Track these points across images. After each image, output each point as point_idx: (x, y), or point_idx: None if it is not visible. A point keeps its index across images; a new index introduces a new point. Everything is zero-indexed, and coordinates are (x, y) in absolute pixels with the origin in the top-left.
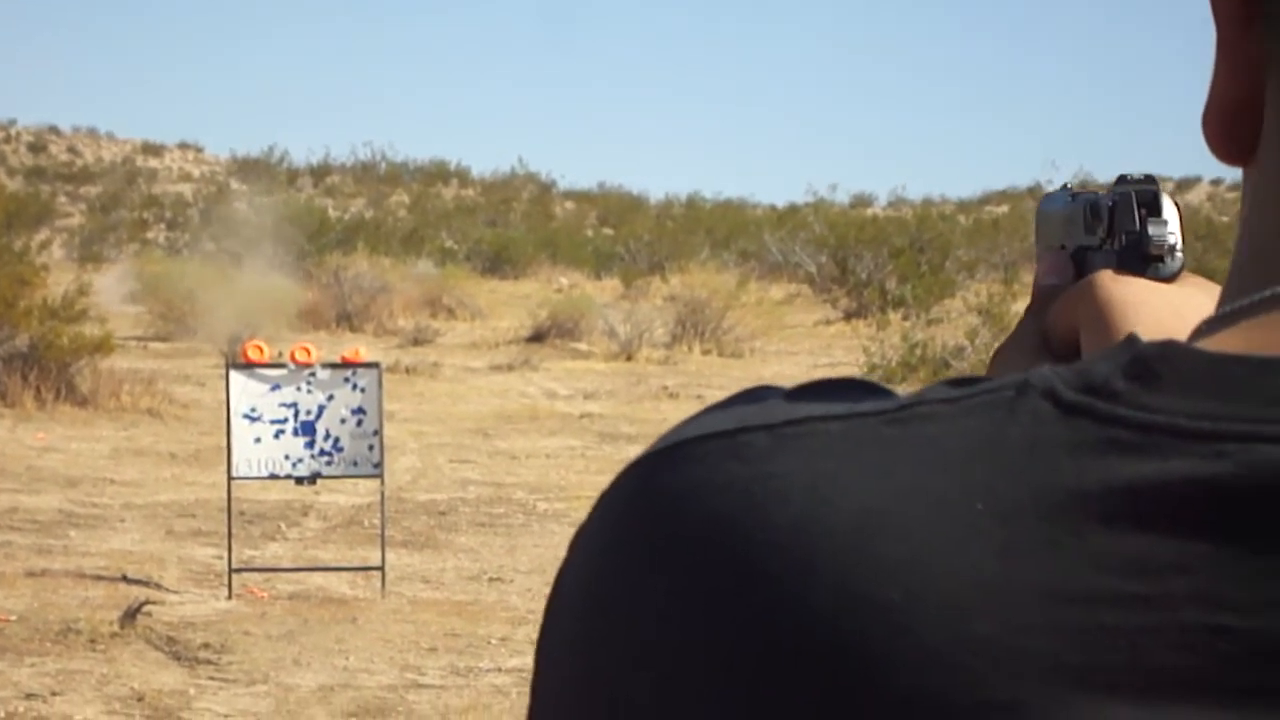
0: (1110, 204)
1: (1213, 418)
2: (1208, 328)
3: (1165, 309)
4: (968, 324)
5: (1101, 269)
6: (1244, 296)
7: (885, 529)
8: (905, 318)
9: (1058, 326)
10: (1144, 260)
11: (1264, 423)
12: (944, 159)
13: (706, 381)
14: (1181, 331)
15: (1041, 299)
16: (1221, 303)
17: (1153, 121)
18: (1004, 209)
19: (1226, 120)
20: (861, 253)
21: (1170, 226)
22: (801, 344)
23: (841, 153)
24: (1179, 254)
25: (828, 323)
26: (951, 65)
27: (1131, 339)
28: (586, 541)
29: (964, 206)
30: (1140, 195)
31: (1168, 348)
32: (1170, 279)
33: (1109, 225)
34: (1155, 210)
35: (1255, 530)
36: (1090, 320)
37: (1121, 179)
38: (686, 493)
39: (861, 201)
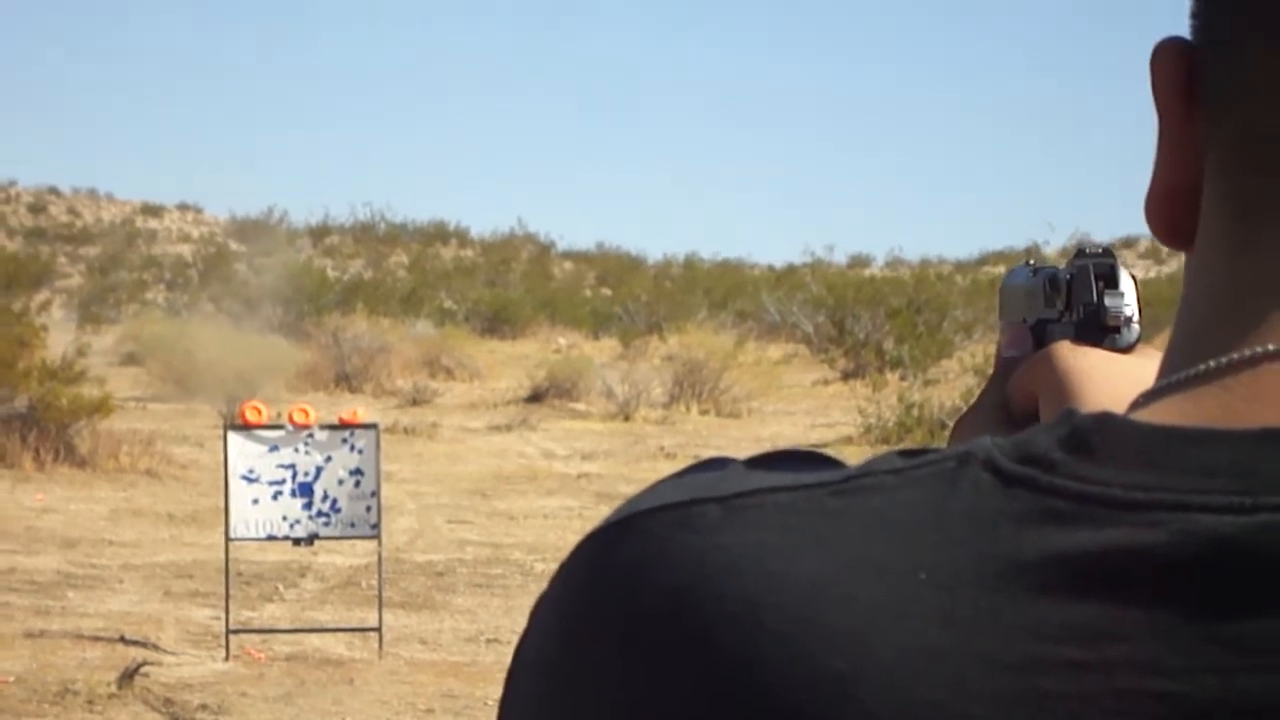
0: (1068, 277)
1: (1146, 488)
2: (1144, 400)
3: (1121, 378)
4: (965, 385)
5: (1060, 340)
6: (1179, 371)
7: (831, 599)
8: (902, 378)
9: (1017, 395)
10: (1101, 331)
11: (1195, 493)
12: (941, 220)
13: (704, 441)
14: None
15: (1003, 369)
16: (1159, 377)
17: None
18: (1001, 269)
19: (1167, 207)
20: (859, 313)
21: (1127, 299)
22: (799, 404)
23: (839, 213)
24: (1135, 325)
25: (825, 383)
26: (949, 126)
27: (1070, 412)
28: (546, 611)
29: (961, 267)
30: (1097, 268)
31: (1104, 420)
32: (1127, 349)
33: (1067, 298)
34: (1112, 283)
35: (1188, 597)
36: (1048, 389)
37: (1080, 252)
38: (641, 564)
39: (859, 262)
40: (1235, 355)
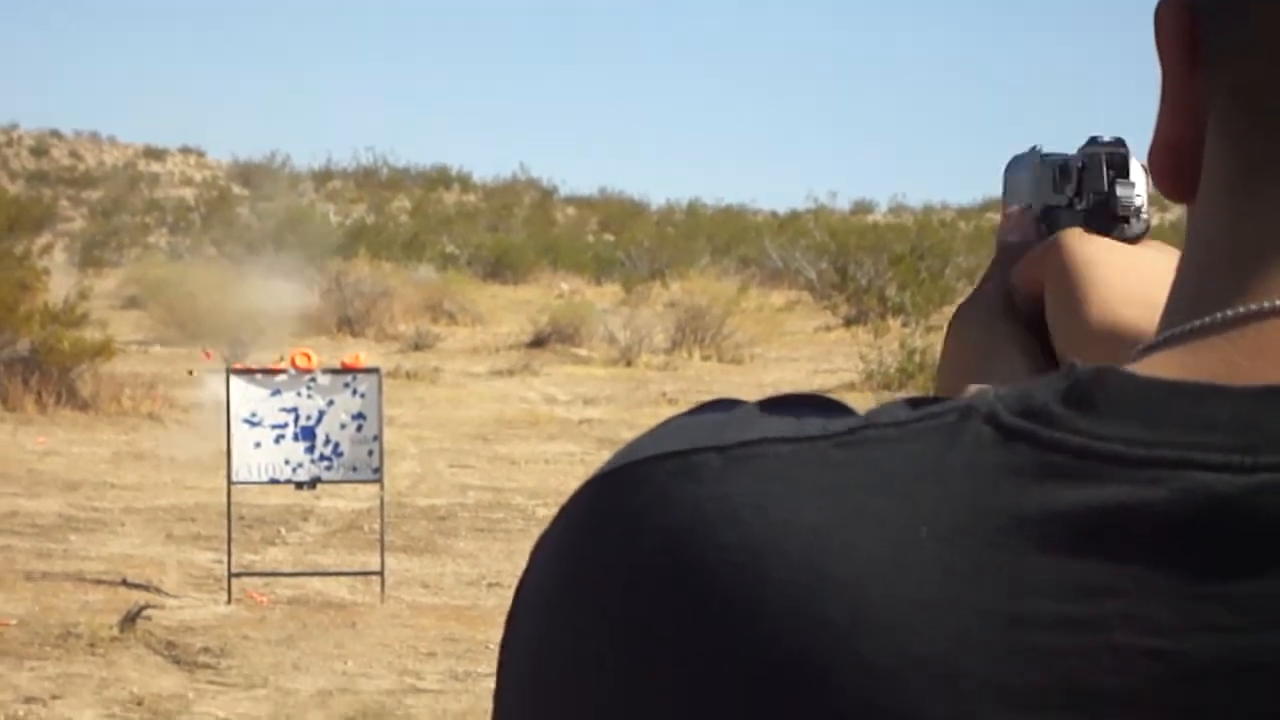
0: (1080, 165)
1: (1147, 444)
2: (1144, 352)
3: (1130, 269)
4: None
5: (1068, 227)
6: (1180, 324)
7: (831, 550)
8: (905, 324)
9: (1023, 282)
10: (1111, 220)
11: (1196, 449)
12: (945, 166)
13: (706, 387)
14: (1142, 294)
15: (1004, 256)
16: (1160, 328)
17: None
18: None
19: (1170, 160)
20: (861, 259)
21: (1138, 189)
22: (801, 350)
23: (842, 159)
24: (1145, 216)
25: (828, 329)
26: (952, 72)
27: (1072, 366)
28: (546, 553)
29: (964, 213)
30: (1110, 157)
31: (1105, 373)
32: (1135, 240)
33: (1077, 185)
34: (1124, 172)
35: (1186, 555)
36: (1055, 276)
37: (1092, 140)
38: (642, 512)
39: (862, 208)
40: (1239, 309)
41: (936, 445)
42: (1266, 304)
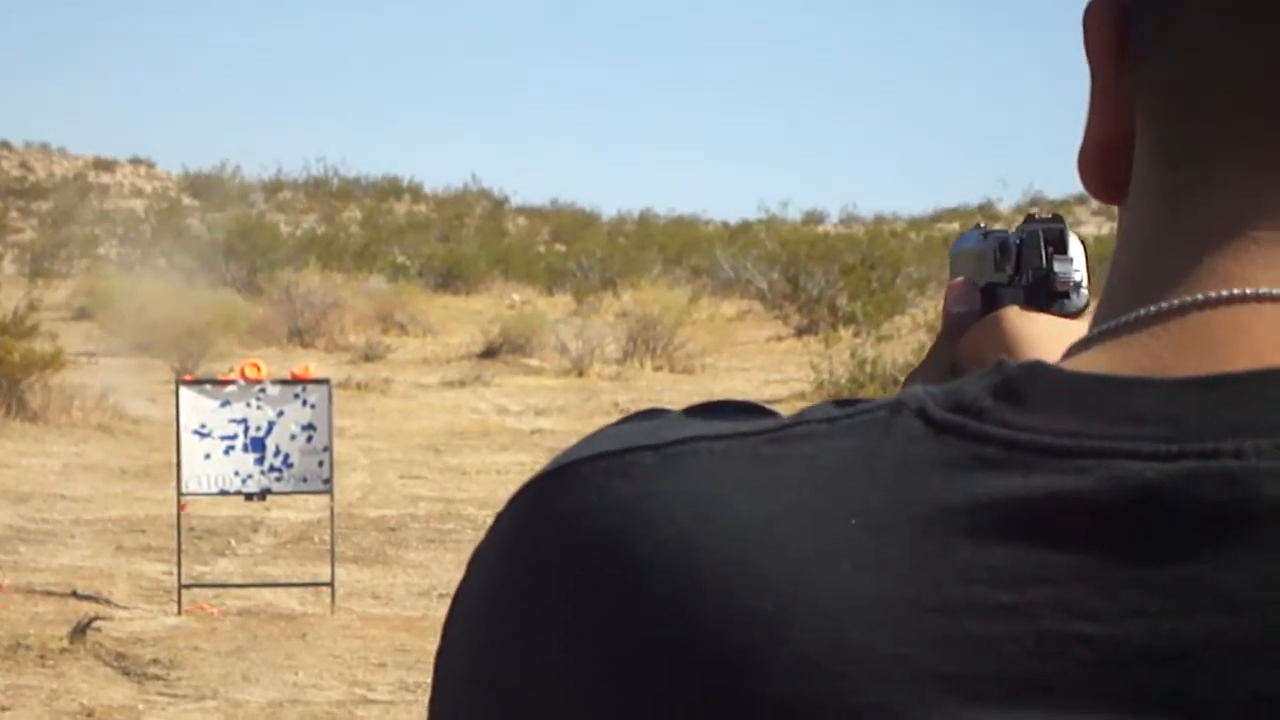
0: (1018, 242)
1: (1074, 435)
2: (1076, 349)
3: (1069, 343)
4: (917, 341)
5: (1009, 304)
6: (1110, 320)
7: (763, 543)
8: (856, 334)
9: (966, 357)
10: (1050, 296)
11: (1122, 439)
12: (896, 177)
13: (658, 397)
14: None
15: (951, 327)
16: (1092, 325)
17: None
18: (955, 226)
19: (1100, 160)
20: (813, 269)
21: (1076, 264)
22: (753, 360)
23: (793, 170)
24: (1084, 290)
25: (779, 339)
26: (903, 83)
27: (1001, 362)
28: (484, 561)
29: (915, 224)
30: (1047, 234)
31: (1033, 368)
32: (1075, 315)
33: (1017, 262)
34: (1061, 248)
35: (1113, 542)
36: (997, 353)
37: (1030, 218)
38: (577, 511)
39: (813, 218)
40: (1164, 304)
41: (867, 440)
42: (1188, 298)
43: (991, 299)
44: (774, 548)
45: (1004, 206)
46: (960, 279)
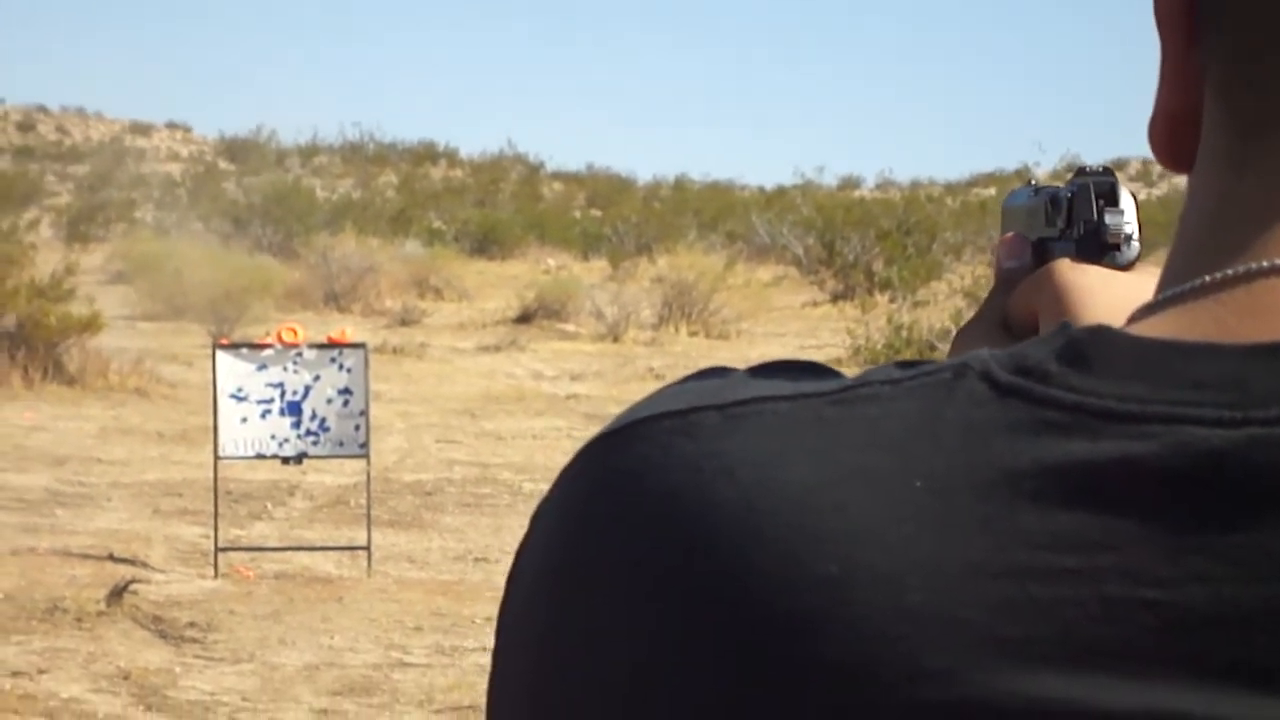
0: (1069, 195)
1: (1139, 400)
2: (1141, 314)
3: (1120, 295)
4: (954, 307)
5: (1061, 257)
6: (1178, 285)
7: (825, 505)
8: (891, 300)
9: (1018, 311)
10: (1101, 249)
11: (1188, 405)
12: (932, 141)
13: (693, 363)
14: None
15: (1003, 282)
16: (1157, 291)
17: (1139, 104)
18: (991, 191)
19: (1169, 130)
20: (848, 235)
21: (1127, 216)
22: (788, 325)
23: (830, 135)
24: (1135, 242)
25: (814, 304)
26: (941, 48)
27: (1065, 325)
28: (546, 517)
29: (951, 189)
30: (1098, 186)
31: (1099, 333)
32: (1126, 267)
33: (1068, 216)
34: (1112, 201)
35: (1178, 509)
36: (1048, 306)
37: (1081, 171)
38: (640, 469)
39: (849, 184)
40: (1230, 271)
41: (931, 402)
42: (1254, 265)
43: (1043, 253)
44: (836, 510)
45: (1041, 171)
46: (1011, 234)
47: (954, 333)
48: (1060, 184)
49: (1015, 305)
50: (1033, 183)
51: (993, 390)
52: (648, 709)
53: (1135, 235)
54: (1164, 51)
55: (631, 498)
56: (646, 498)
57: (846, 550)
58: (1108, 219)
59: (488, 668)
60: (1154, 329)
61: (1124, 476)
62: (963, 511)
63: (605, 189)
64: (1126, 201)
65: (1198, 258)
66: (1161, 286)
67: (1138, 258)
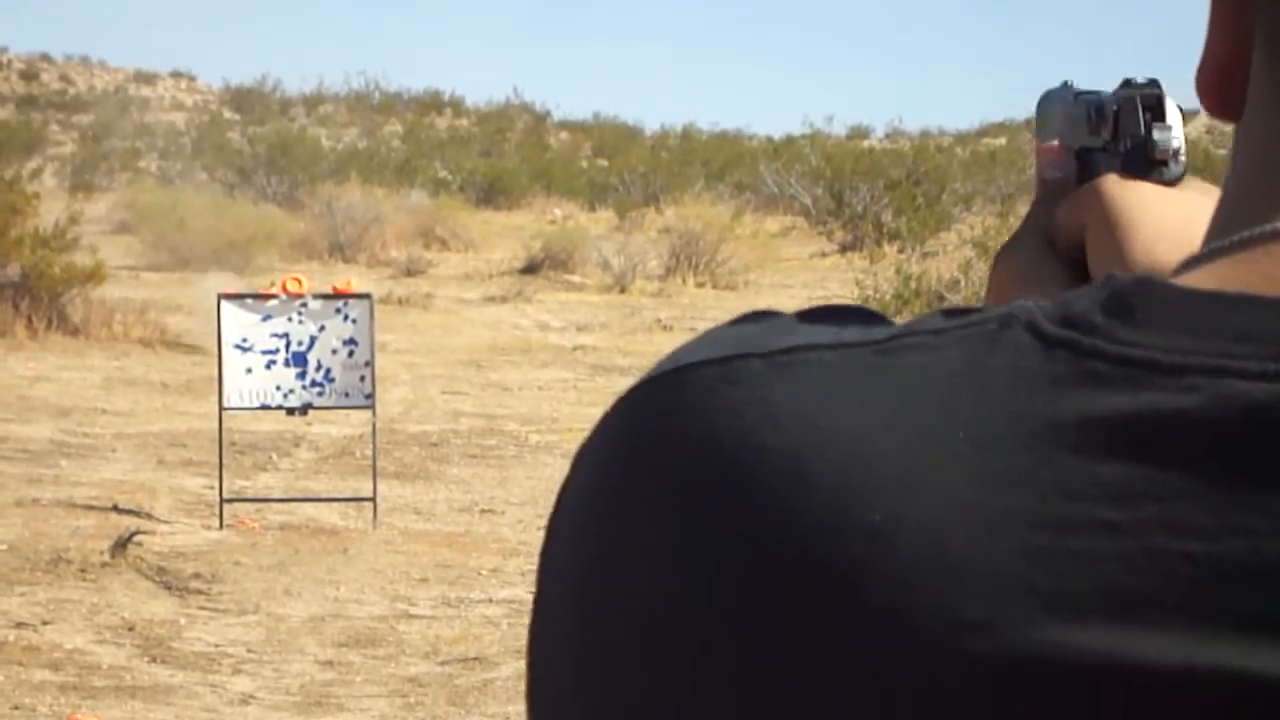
0: (1115, 107)
1: (1185, 352)
2: (1187, 265)
3: (1170, 213)
4: (963, 257)
5: (1107, 172)
6: (1225, 237)
7: (869, 455)
8: (900, 251)
9: (1064, 227)
10: (1149, 164)
11: (1233, 358)
12: (942, 91)
13: (700, 314)
14: (1185, 235)
15: (1047, 194)
16: (1204, 243)
17: (1152, 53)
18: (1001, 141)
19: (1218, 79)
20: (857, 185)
21: (1175, 131)
22: (797, 276)
23: (839, 84)
24: (1182, 158)
25: (823, 255)
26: None
27: (1110, 276)
28: (588, 460)
29: (961, 139)
30: (1145, 99)
31: (1144, 284)
32: (1174, 182)
33: (1113, 128)
34: (1160, 115)
35: (1221, 461)
36: (1096, 223)
37: (1126, 82)
38: (683, 416)
39: (858, 133)
40: (1277, 224)
41: (976, 352)
42: None
43: (1086, 164)
44: (880, 459)
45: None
46: (1054, 142)
47: (962, 283)
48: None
49: (1061, 221)
50: (1070, 84)
51: (1038, 341)
52: (687, 652)
53: (1182, 150)
54: (1213, 1)
55: (675, 443)
56: (690, 444)
57: (889, 499)
58: (1156, 134)
59: (493, 619)
60: (1200, 281)
61: (1167, 429)
62: (1006, 462)
63: (612, 138)
64: (1174, 115)
65: (1245, 209)
66: (1209, 236)
67: (1185, 173)
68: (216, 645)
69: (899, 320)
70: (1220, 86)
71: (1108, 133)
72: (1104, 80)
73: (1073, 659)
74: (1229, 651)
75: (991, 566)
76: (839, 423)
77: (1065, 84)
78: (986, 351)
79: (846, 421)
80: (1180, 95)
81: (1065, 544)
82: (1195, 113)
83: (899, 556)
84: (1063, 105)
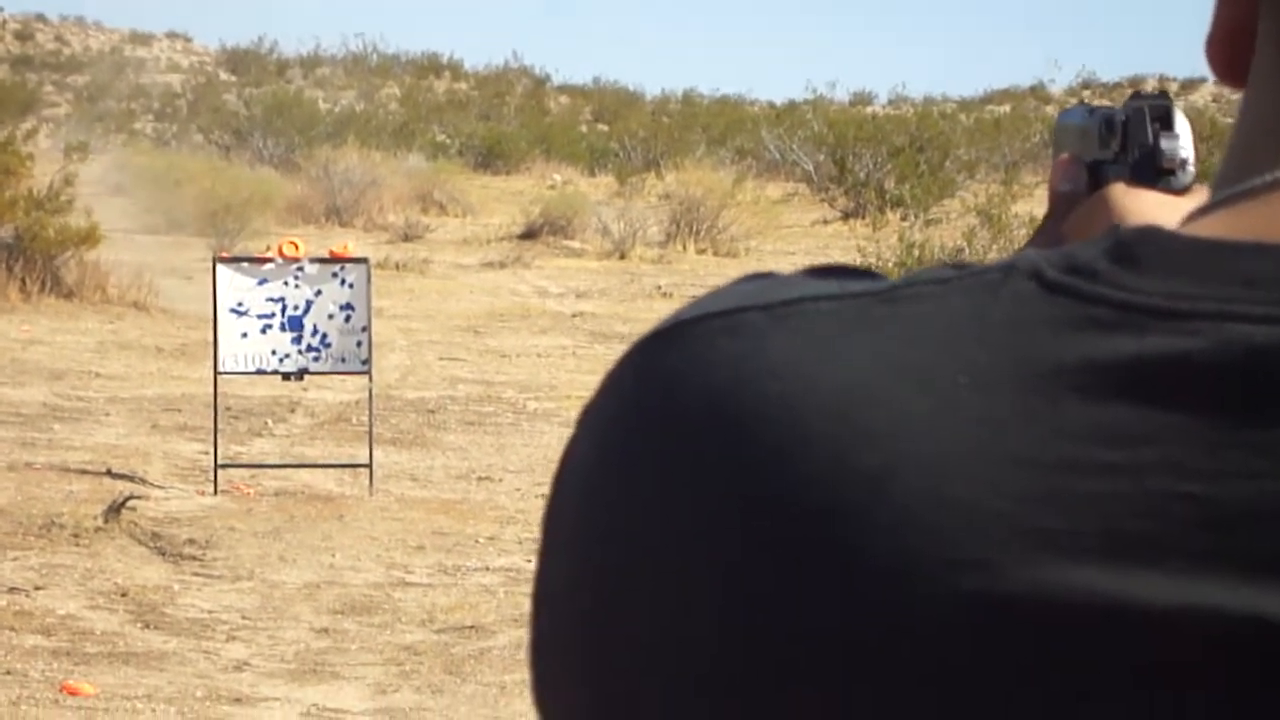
0: (1124, 119)
1: (1188, 297)
2: (1192, 217)
3: (1175, 220)
4: (966, 225)
5: (1115, 182)
6: (1228, 189)
7: (868, 400)
8: (903, 218)
9: (1073, 235)
10: (1156, 173)
11: (1236, 302)
12: (946, 57)
13: (700, 281)
14: None
15: (1058, 206)
16: (1210, 196)
17: (1156, 22)
18: (1006, 108)
19: (1227, 45)
20: (860, 152)
21: (1182, 141)
22: (798, 244)
23: (842, 49)
24: (1190, 167)
25: (825, 222)
26: None
27: (1115, 227)
28: (591, 417)
29: (965, 105)
30: (1154, 110)
31: (1149, 232)
32: (1182, 191)
33: (1123, 139)
34: (1168, 125)
35: (1222, 404)
36: (1102, 228)
37: (1136, 94)
38: (684, 368)
39: (861, 99)
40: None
41: (978, 300)
42: None
43: (1097, 176)
44: (879, 404)
45: (1056, 88)
46: (1066, 156)
47: (966, 251)
48: (1072, 102)
49: (1071, 230)
50: (1084, 102)
51: (1041, 288)
52: (691, 605)
53: (1190, 160)
54: None
55: (677, 397)
56: (691, 396)
57: (888, 444)
58: (1163, 143)
59: (490, 588)
60: (1204, 229)
61: (1169, 372)
62: (1006, 406)
63: (612, 103)
64: (1182, 125)
65: (1250, 164)
66: (1213, 193)
67: (1193, 182)
68: (210, 612)
69: None
70: (1228, 55)
71: (1117, 144)
72: (1105, 45)
73: (1072, 599)
74: (1230, 594)
75: (990, 507)
76: (839, 370)
77: (1080, 103)
78: (989, 299)
79: (846, 369)
80: (1192, 59)
81: (1065, 485)
82: (1202, 80)
83: (897, 500)
84: (1077, 121)
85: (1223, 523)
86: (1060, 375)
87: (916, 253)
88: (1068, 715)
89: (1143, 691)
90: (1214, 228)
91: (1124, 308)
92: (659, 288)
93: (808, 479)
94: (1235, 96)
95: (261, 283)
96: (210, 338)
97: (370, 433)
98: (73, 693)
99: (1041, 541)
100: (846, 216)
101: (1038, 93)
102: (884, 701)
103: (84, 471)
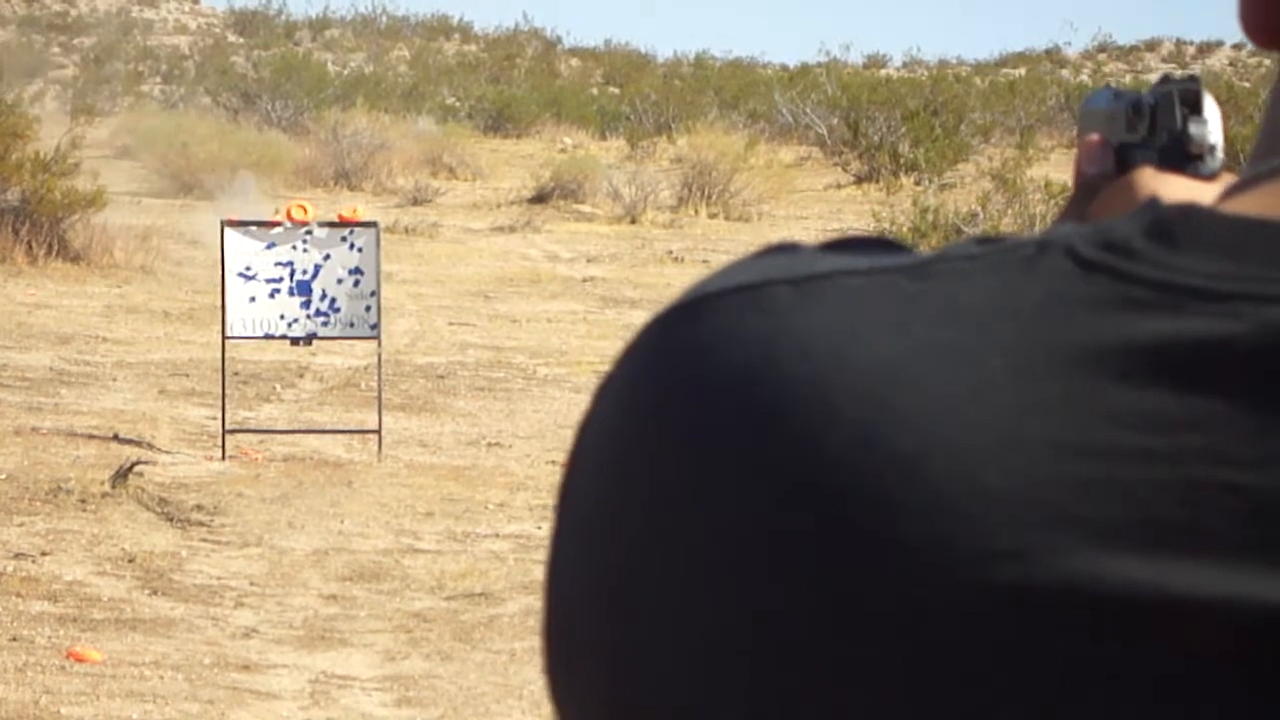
0: (1152, 102)
1: (1229, 278)
2: (1230, 192)
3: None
4: (981, 189)
5: (1143, 166)
6: (1264, 163)
7: (901, 382)
8: (917, 182)
9: (1098, 218)
10: (1185, 158)
11: (1275, 283)
12: (961, 20)
13: (713, 246)
14: None
15: (1084, 189)
16: (1246, 170)
17: None
18: (1021, 71)
19: (1259, 10)
20: (874, 115)
21: (1211, 125)
22: (811, 208)
23: (856, 11)
24: (1219, 153)
25: (838, 186)
26: None
27: (1153, 202)
28: (609, 391)
29: (980, 69)
30: (1183, 94)
31: (1188, 210)
32: (1210, 177)
33: (1151, 123)
34: (1197, 109)
35: (1264, 390)
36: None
37: (1165, 78)
38: (709, 343)
39: (875, 62)
40: None
41: (1012, 278)
42: None
43: (1124, 160)
44: (912, 386)
45: (1071, 52)
46: (1092, 138)
47: (980, 216)
48: (1086, 67)
49: (1097, 213)
50: (1111, 85)
51: (1077, 266)
52: (714, 585)
53: (1219, 145)
54: None
55: (702, 372)
56: (717, 373)
57: (922, 427)
58: (1192, 128)
59: (500, 554)
60: (1245, 206)
61: (1210, 356)
62: (1043, 389)
63: (624, 66)
64: (1211, 111)
65: None
66: (1250, 166)
67: (1221, 167)
68: (218, 578)
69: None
70: (1262, 16)
71: (1145, 128)
72: (1121, 8)
73: (1110, 589)
74: (1271, 585)
75: (1026, 495)
76: (870, 351)
77: (1107, 85)
78: (1023, 277)
79: (877, 349)
80: (1208, 22)
81: (1104, 472)
82: (1219, 44)
83: (930, 485)
84: (1103, 105)
85: (1265, 513)
86: (1098, 358)
87: (930, 217)
88: (1105, 705)
89: (1181, 683)
90: (1253, 205)
91: (1162, 287)
92: (670, 252)
93: (838, 461)
94: (1252, 61)
95: (270, 247)
96: (218, 302)
97: (379, 398)
98: (79, 659)
99: (1079, 530)
100: (860, 180)
101: (1053, 56)
102: (913, 690)
103: (91, 437)
